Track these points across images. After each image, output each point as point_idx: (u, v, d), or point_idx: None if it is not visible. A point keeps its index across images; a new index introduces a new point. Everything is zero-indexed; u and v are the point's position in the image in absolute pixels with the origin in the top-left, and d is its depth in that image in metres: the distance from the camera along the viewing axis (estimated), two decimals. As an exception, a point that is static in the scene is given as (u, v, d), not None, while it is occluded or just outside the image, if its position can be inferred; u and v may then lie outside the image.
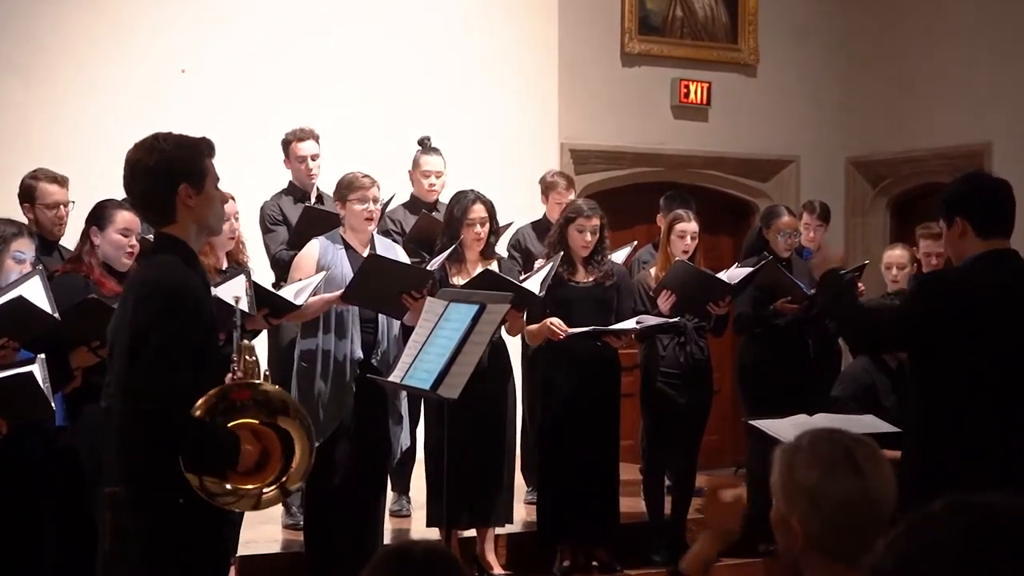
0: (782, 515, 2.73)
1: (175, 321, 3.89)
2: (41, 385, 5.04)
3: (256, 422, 4.08)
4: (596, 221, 7.45)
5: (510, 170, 9.85)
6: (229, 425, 4.03)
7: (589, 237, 7.43)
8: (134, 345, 3.90)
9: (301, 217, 7.65)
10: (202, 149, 4.10)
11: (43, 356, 5.17)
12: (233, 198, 6.60)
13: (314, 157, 8.05)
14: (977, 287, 4.82)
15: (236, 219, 6.78)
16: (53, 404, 5.10)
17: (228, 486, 4.04)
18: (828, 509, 2.65)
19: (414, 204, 8.31)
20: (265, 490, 4.14)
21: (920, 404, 5.03)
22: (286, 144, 8.08)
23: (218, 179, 4.18)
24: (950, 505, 1.77)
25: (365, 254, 6.84)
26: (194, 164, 4.05)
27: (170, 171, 4.02)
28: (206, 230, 4.20)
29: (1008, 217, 4.95)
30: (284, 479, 4.15)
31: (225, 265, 6.58)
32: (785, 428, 5.71)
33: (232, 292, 5.77)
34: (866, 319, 5.50)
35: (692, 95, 11.63)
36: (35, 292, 5.26)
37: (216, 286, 5.56)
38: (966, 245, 4.89)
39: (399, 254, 7.17)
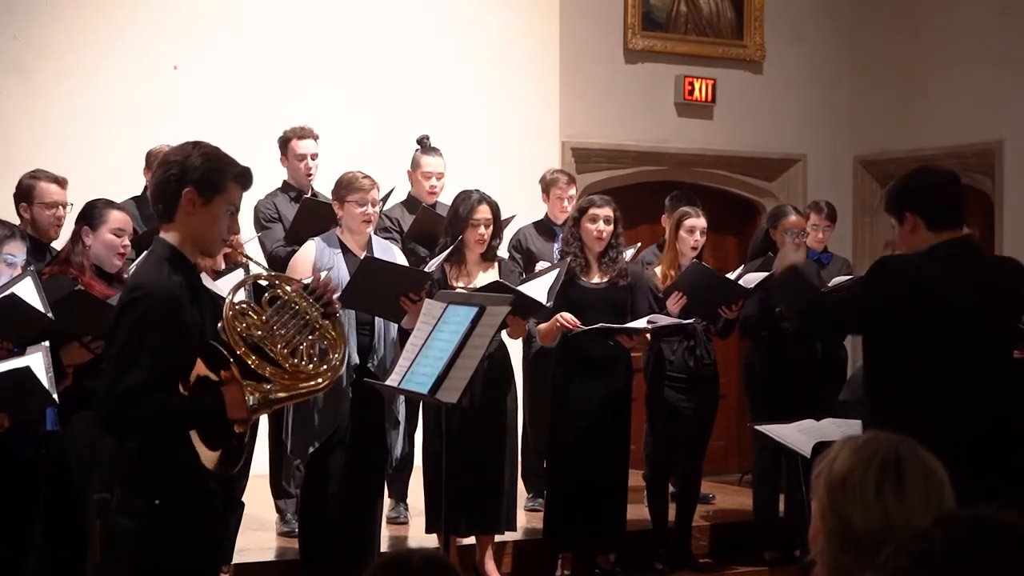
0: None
1: (139, 323, 3.95)
2: (43, 377, 5.02)
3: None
4: (609, 211, 7.43)
5: (511, 169, 9.84)
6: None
7: (602, 226, 7.40)
8: (107, 347, 4.05)
9: (299, 210, 7.63)
10: (229, 170, 4.17)
11: (47, 344, 5.16)
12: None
13: (313, 156, 8.05)
14: (930, 272, 4.90)
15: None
16: (56, 396, 5.08)
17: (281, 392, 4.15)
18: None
19: (412, 203, 8.30)
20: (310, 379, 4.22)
21: (872, 393, 5.08)
22: (284, 142, 8.07)
23: (235, 208, 4.26)
24: (940, 519, 1.78)
25: (362, 256, 6.84)
26: (212, 175, 4.11)
27: (185, 170, 4.09)
28: (200, 245, 4.24)
29: (956, 207, 5.11)
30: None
31: (223, 267, 6.58)
32: (792, 433, 5.71)
33: (232, 285, 5.76)
34: (820, 300, 5.58)
35: (696, 92, 11.62)
36: (27, 293, 5.26)
37: (216, 279, 5.60)
38: (918, 239, 5.02)
39: (396, 255, 7.16)
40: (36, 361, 5.08)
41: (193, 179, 4.08)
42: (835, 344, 8.43)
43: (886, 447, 2.63)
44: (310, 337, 4.27)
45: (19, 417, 5.26)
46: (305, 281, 5.77)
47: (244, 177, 4.23)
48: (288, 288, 4.31)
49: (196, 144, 4.19)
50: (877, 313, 4.96)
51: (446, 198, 7.77)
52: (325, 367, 4.26)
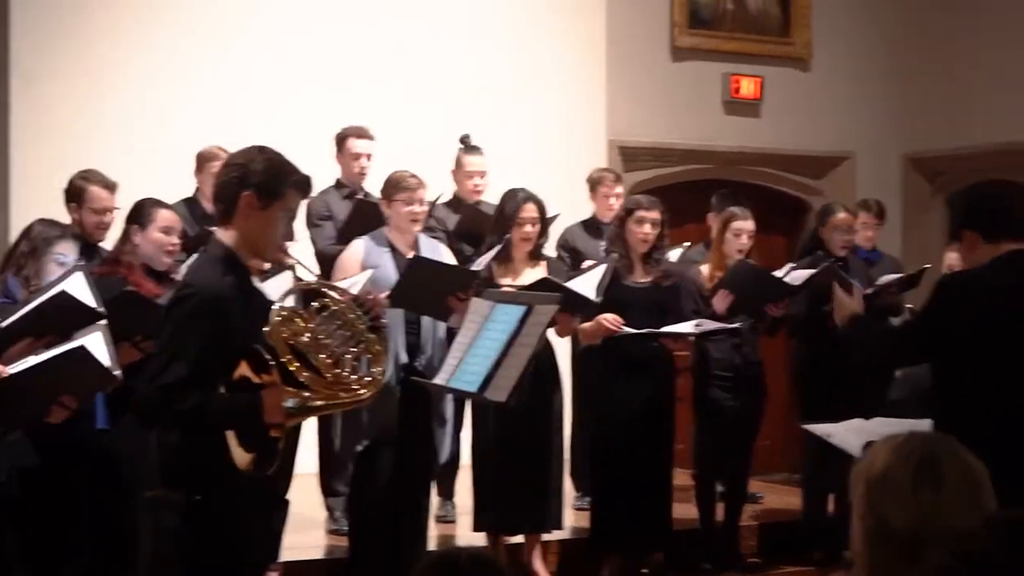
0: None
1: (185, 320, 4.03)
2: (102, 356, 5.04)
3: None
4: (656, 214, 7.41)
5: (557, 168, 9.84)
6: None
7: (648, 229, 7.38)
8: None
9: (352, 211, 7.66)
10: (289, 177, 4.24)
11: (104, 323, 5.19)
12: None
13: (368, 156, 8.08)
14: (994, 287, 4.85)
15: None
16: (118, 373, 5.10)
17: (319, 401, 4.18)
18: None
19: (456, 203, 8.32)
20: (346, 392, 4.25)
21: (944, 411, 5.03)
22: (341, 139, 8.11)
23: (292, 215, 4.37)
24: (989, 520, 1.78)
25: (410, 255, 6.85)
26: (272, 181, 4.19)
27: (246, 174, 4.17)
28: (255, 248, 4.29)
29: (1012, 217, 5.00)
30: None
31: (268, 267, 6.59)
32: (841, 432, 5.67)
33: (279, 287, 5.78)
34: (893, 338, 5.55)
35: (743, 90, 11.61)
36: (79, 288, 5.28)
37: (263, 281, 5.61)
38: (978, 255, 4.97)
39: (444, 254, 7.17)
40: (94, 340, 5.09)
41: (253, 183, 4.15)
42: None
43: (924, 446, 2.64)
44: (353, 349, 4.30)
45: (84, 398, 5.28)
46: (349, 282, 5.82)
47: (304, 185, 4.31)
48: (337, 297, 4.35)
49: (261, 149, 4.26)
50: (947, 332, 4.91)
51: (493, 197, 7.77)
52: (368, 379, 4.30)
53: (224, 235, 4.22)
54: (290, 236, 5.54)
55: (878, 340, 5.43)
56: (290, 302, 4.28)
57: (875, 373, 7.38)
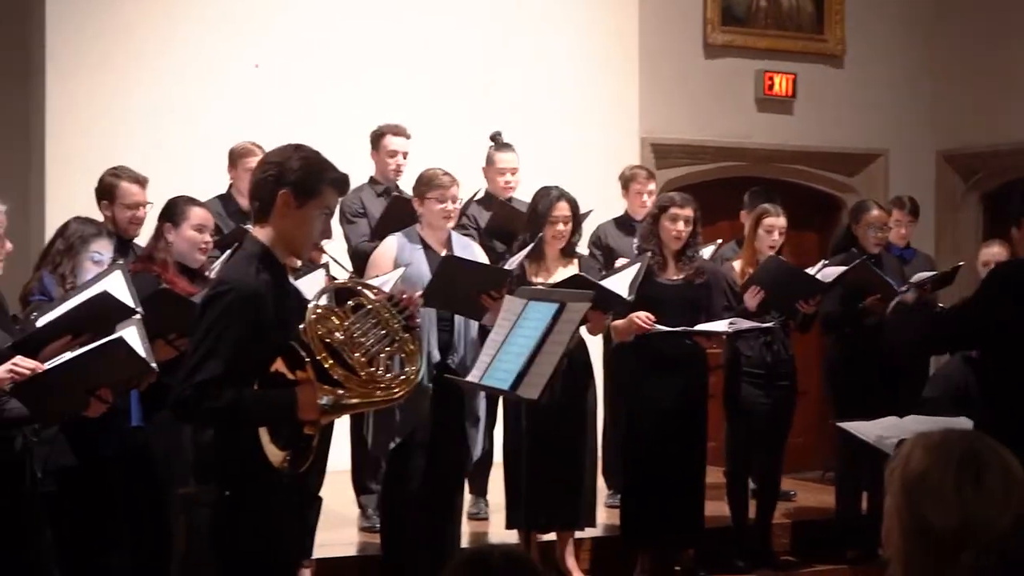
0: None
1: (220, 317, 4.04)
2: (138, 347, 5.07)
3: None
4: (689, 211, 7.40)
5: (589, 165, 9.83)
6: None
7: (682, 226, 7.37)
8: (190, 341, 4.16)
9: (388, 208, 7.67)
10: (326, 175, 4.24)
11: (139, 316, 5.21)
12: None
13: (404, 154, 8.10)
14: None
15: None
16: (155, 365, 5.13)
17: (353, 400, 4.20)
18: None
19: (488, 200, 8.32)
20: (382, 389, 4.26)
21: (993, 400, 5.01)
22: (378, 136, 8.12)
23: (329, 212, 4.36)
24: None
25: (443, 253, 6.86)
26: (308, 179, 4.19)
27: (282, 172, 4.18)
28: (291, 246, 4.30)
29: None
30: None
31: (299, 264, 6.60)
32: (875, 430, 5.66)
33: (312, 285, 5.80)
34: (938, 321, 5.52)
35: (777, 87, 11.58)
36: (119, 288, 5.31)
37: (296, 279, 5.63)
38: None
39: (476, 251, 7.19)
40: (130, 334, 5.12)
41: (290, 181, 4.16)
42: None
43: (963, 444, 2.61)
44: (387, 349, 4.32)
45: (121, 391, 5.30)
46: (381, 280, 5.83)
47: (341, 183, 4.31)
48: (372, 296, 4.37)
49: (297, 147, 4.27)
50: (994, 319, 4.89)
51: (525, 194, 7.77)
52: (402, 378, 4.31)
53: (260, 233, 4.23)
54: (328, 234, 5.54)
55: (924, 325, 5.39)
56: (325, 300, 4.30)
57: (919, 355, 7.28)
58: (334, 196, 4.32)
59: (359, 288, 4.43)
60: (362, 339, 4.26)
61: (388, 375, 4.28)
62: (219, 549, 4.11)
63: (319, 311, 4.21)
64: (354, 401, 4.25)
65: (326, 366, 4.14)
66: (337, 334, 4.21)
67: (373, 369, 4.25)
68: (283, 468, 4.11)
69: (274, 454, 4.09)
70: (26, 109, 9.54)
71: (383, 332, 4.31)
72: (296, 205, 4.17)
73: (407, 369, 4.34)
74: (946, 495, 2.55)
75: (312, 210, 4.21)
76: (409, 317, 4.39)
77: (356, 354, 4.23)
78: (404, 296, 4.43)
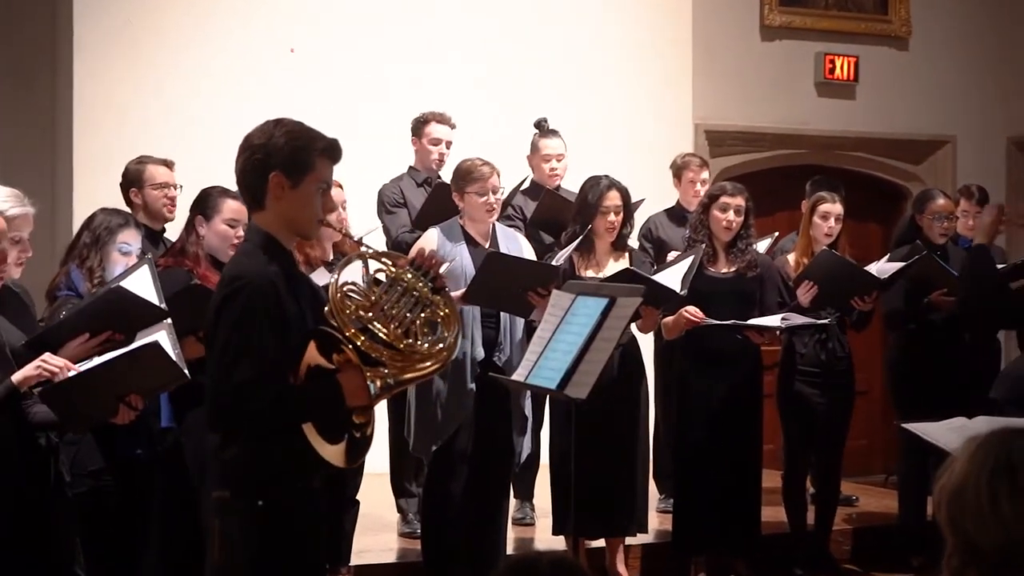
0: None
1: (243, 315, 3.93)
2: (170, 352, 5.07)
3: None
4: (740, 201, 7.36)
5: (641, 153, 9.82)
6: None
7: (732, 216, 7.33)
8: (209, 344, 4.04)
9: (432, 194, 7.65)
10: (315, 146, 4.12)
11: (169, 321, 5.21)
12: (341, 186, 6.62)
13: (448, 144, 8.09)
14: None
15: (344, 208, 6.78)
16: (187, 371, 5.13)
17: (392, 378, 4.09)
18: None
19: (535, 189, 8.29)
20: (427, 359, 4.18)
21: None
22: (422, 123, 8.11)
23: (327, 184, 4.19)
24: None
25: (486, 245, 6.84)
26: (297, 156, 4.07)
27: (269, 153, 4.06)
28: (295, 229, 4.19)
29: None
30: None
31: (331, 257, 6.60)
32: (941, 432, 5.61)
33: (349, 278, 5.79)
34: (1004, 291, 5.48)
35: (838, 71, 11.53)
36: (143, 283, 5.31)
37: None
38: None
39: (522, 243, 7.16)
40: (162, 339, 5.13)
41: (278, 162, 4.05)
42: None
43: (997, 450, 2.48)
44: (422, 315, 4.21)
45: (150, 396, 5.32)
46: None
47: (332, 150, 4.16)
48: (390, 264, 4.26)
49: (278, 122, 4.14)
50: None
51: (574, 184, 7.73)
52: (441, 345, 4.20)
53: (260, 222, 4.13)
54: (331, 207, 5.45)
55: (1000, 295, 5.34)
56: (345, 278, 4.20)
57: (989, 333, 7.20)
58: (328, 166, 4.15)
59: (381, 259, 4.30)
60: (393, 310, 4.15)
61: (425, 345, 4.17)
62: (252, 555, 4.07)
63: (342, 289, 4.11)
64: (407, 376, 4.15)
65: (363, 347, 4.04)
66: (365, 311, 4.10)
67: (411, 340, 4.15)
68: (343, 463, 4.02)
69: (329, 451, 3.98)
70: (53, 106, 9.61)
71: (413, 299, 4.19)
72: (290, 185, 4.06)
73: (445, 335, 4.22)
74: (983, 510, 2.43)
75: (308, 187, 4.09)
76: (435, 279, 4.30)
77: (391, 326, 4.12)
78: (425, 257, 4.32)
